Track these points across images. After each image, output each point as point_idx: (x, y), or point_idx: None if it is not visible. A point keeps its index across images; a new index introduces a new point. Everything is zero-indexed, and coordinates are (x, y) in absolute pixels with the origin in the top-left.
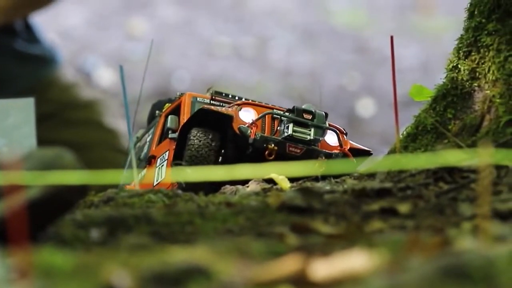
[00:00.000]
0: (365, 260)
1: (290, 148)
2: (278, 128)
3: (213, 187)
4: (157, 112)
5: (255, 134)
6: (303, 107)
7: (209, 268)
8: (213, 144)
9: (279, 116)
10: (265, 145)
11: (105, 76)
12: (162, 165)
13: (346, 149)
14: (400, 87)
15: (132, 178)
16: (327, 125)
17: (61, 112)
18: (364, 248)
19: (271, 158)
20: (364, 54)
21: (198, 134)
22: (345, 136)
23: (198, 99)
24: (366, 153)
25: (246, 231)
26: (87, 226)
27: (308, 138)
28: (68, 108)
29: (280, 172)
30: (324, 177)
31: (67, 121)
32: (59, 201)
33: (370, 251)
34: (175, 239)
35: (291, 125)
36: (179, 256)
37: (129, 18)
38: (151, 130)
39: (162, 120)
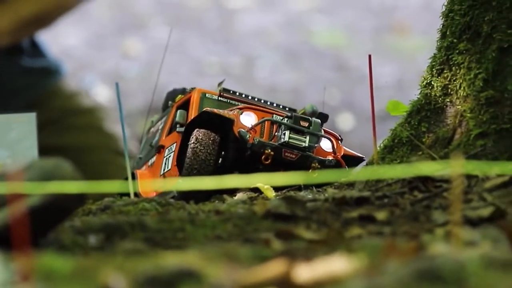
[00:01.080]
0: (345, 264)
1: (286, 154)
2: (276, 133)
3: (206, 195)
4: (169, 102)
5: (253, 139)
6: (305, 106)
7: (199, 272)
8: (213, 145)
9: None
10: (262, 150)
11: (102, 93)
12: (170, 156)
13: (339, 156)
14: (377, 102)
15: (141, 164)
16: (323, 133)
17: (64, 118)
18: (344, 253)
19: (267, 162)
20: (344, 72)
21: (200, 135)
22: (340, 142)
23: (207, 95)
24: (359, 159)
25: (234, 237)
26: (85, 233)
27: (303, 145)
28: (71, 114)
29: (266, 182)
30: (306, 186)
31: (70, 126)
32: (58, 208)
33: (349, 256)
34: (168, 245)
35: (287, 132)
36: (172, 260)
37: (125, 39)
38: (164, 119)
39: (173, 111)
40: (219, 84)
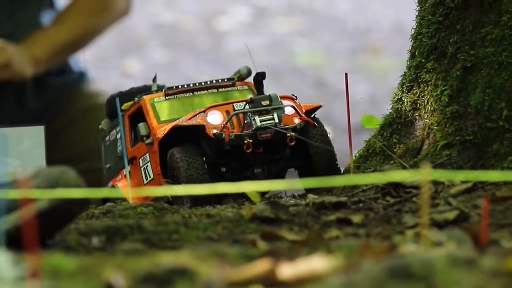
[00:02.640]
0: (324, 263)
1: (262, 135)
2: (246, 121)
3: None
4: (121, 112)
5: (229, 135)
6: (240, 69)
7: (192, 270)
8: (197, 159)
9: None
10: (241, 142)
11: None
12: (147, 166)
13: (304, 116)
14: (353, 116)
15: (112, 174)
16: (282, 102)
17: (87, 112)
18: (324, 252)
19: (249, 150)
20: (323, 88)
21: (181, 155)
22: (296, 101)
23: (155, 99)
24: (317, 108)
25: (223, 238)
26: (88, 234)
27: (274, 122)
28: (92, 110)
29: (252, 188)
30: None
31: (92, 118)
32: (64, 212)
33: (328, 255)
34: (164, 245)
35: (256, 117)
36: (167, 259)
37: (124, 59)
38: (118, 129)
39: (126, 120)
40: (153, 80)
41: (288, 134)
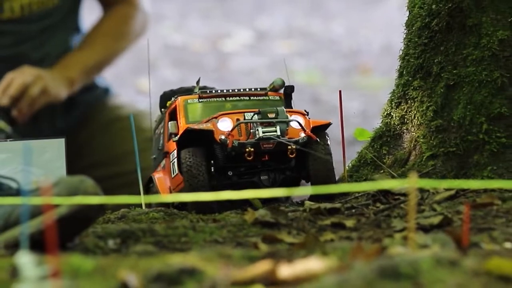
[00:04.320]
0: (320, 263)
1: (264, 146)
2: (251, 130)
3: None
4: (162, 110)
5: (232, 142)
6: (274, 81)
7: (199, 270)
8: (201, 162)
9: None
10: (242, 150)
11: None
12: (174, 162)
13: (309, 131)
14: (346, 130)
15: (155, 165)
16: (288, 117)
17: (111, 123)
18: (319, 254)
19: (250, 158)
20: (319, 104)
21: (187, 156)
22: (307, 116)
23: (189, 101)
24: (327, 125)
25: (228, 241)
26: (105, 237)
27: (276, 134)
28: (116, 121)
29: (255, 195)
30: (287, 199)
31: (117, 129)
32: (82, 217)
33: (324, 256)
34: (173, 247)
35: (260, 128)
36: (177, 260)
37: (138, 78)
38: (162, 124)
39: (166, 118)
40: (197, 82)
41: (289, 147)
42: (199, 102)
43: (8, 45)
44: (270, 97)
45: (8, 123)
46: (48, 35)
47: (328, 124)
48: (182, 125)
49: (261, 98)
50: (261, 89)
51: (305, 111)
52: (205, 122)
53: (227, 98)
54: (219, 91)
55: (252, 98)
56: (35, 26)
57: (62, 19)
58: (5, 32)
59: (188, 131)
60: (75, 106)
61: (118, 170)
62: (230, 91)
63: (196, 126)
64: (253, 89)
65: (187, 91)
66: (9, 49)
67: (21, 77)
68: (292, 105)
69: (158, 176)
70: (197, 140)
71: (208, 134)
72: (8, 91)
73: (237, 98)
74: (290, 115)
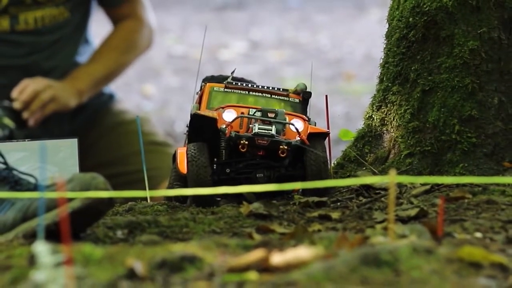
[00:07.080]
0: (308, 251)
1: (259, 141)
2: (250, 125)
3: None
4: (197, 93)
5: (230, 133)
6: (298, 85)
7: (199, 257)
8: (204, 154)
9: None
10: (238, 141)
11: None
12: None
13: (303, 136)
14: (332, 130)
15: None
16: (287, 119)
17: (115, 128)
18: (308, 243)
19: (244, 150)
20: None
21: (192, 149)
22: (308, 122)
23: (215, 88)
24: (325, 134)
25: (225, 231)
26: (114, 228)
27: (271, 133)
28: (120, 124)
29: (249, 190)
30: (280, 193)
31: (122, 133)
32: (93, 210)
33: (312, 245)
34: (176, 237)
35: (257, 124)
36: (178, 248)
37: (143, 84)
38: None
39: (197, 100)
40: (232, 73)
41: (281, 146)
42: (224, 91)
43: (22, 55)
44: (290, 99)
45: (18, 124)
46: (59, 46)
47: (326, 133)
48: (202, 110)
49: (282, 98)
50: (283, 89)
51: (307, 116)
52: (215, 111)
53: (251, 93)
54: (244, 84)
55: (273, 96)
56: (48, 37)
57: (72, 32)
58: (20, 43)
59: (195, 115)
60: (82, 110)
61: (122, 169)
62: (255, 86)
63: (202, 112)
64: (276, 88)
65: (225, 79)
66: (23, 59)
67: (34, 84)
68: (308, 110)
69: (181, 151)
70: (202, 126)
71: (212, 121)
72: (21, 96)
73: (260, 94)
74: (290, 119)
